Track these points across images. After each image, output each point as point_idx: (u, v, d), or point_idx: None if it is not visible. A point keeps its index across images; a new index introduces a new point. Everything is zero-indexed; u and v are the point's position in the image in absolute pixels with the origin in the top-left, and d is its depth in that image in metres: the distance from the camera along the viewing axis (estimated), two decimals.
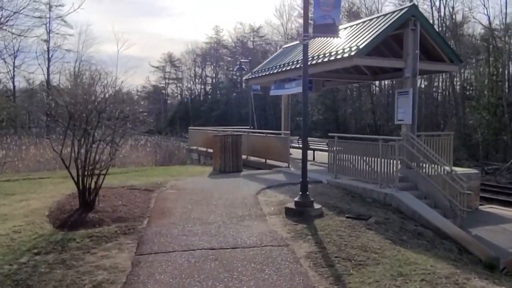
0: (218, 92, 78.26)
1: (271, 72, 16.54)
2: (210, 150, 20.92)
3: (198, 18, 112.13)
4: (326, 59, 13.03)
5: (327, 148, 15.74)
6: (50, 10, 51.30)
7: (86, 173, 7.64)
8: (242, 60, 23.68)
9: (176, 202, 8.78)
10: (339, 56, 12.41)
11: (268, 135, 15.92)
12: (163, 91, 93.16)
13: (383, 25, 12.22)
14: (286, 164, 14.34)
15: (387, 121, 46.19)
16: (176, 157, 26.09)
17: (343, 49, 12.50)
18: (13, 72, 52.22)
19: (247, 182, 11.37)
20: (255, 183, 11.09)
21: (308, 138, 17.02)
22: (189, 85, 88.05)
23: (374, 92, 49.19)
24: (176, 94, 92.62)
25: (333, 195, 9.61)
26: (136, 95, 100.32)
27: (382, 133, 45.39)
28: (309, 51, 15.66)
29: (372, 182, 10.21)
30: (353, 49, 12.02)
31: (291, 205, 7.88)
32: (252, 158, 16.30)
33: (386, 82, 47.68)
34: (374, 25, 12.65)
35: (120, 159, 25.69)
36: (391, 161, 9.84)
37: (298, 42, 18.38)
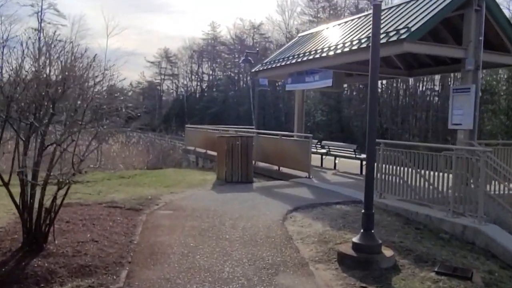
0: (214, 89, 75.52)
1: (286, 63, 13.87)
2: (211, 152, 18.32)
3: (199, 16, 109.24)
4: (363, 45, 10.40)
5: (352, 155, 13.19)
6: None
7: (34, 191, 4.96)
8: (248, 51, 20.97)
9: (172, 234, 6.10)
10: (382, 41, 9.78)
11: (282, 137, 13.27)
12: (158, 87, 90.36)
13: (440, 4, 9.61)
14: (306, 174, 11.70)
15: (394, 123, 43.71)
16: (170, 158, 23.35)
17: (387, 33, 9.87)
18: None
19: (264, 199, 8.70)
20: (275, 201, 8.43)
21: (330, 143, 14.43)
22: (185, 82, 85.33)
23: (381, 93, 46.66)
24: (172, 91, 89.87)
25: (389, 225, 6.98)
26: (131, 90, 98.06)
27: (389, 137, 42.93)
28: (335, 38, 13.09)
29: (437, 207, 7.59)
30: (402, 31, 9.40)
31: (347, 248, 5.22)
32: (261, 164, 13.64)
33: (395, 83, 45.23)
34: (426, 4, 10.02)
35: (107, 159, 22.98)
36: (465, 177, 7.25)
37: (315, 30, 15.75)
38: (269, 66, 15.11)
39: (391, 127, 42.94)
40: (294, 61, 13.45)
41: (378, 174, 8.81)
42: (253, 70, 16.30)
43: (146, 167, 19.75)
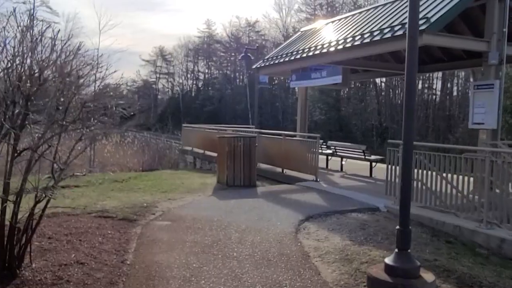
0: (210, 88, 74.67)
1: (290, 59, 13.06)
2: (209, 153, 17.50)
3: (194, 14, 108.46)
4: (376, 38, 9.61)
5: (360, 156, 12.41)
6: None
7: (5, 206, 4.12)
8: (247, 47, 20.14)
9: (171, 251, 5.29)
10: (398, 33, 9.00)
11: (286, 137, 12.46)
12: (153, 85, 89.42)
13: None
14: (313, 177, 10.91)
15: (394, 122, 42.99)
16: (167, 159, 22.52)
17: (403, 24, 9.09)
18: None
19: (271, 206, 7.89)
20: (284, 209, 7.62)
21: (336, 143, 13.64)
22: (180, 80, 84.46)
23: (381, 91, 45.97)
24: (167, 90, 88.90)
25: (415, 237, 6.16)
26: (126, 89, 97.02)
27: (389, 136, 42.22)
28: (343, 31, 12.29)
29: (465, 216, 6.82)
30: (420, 22, 8.60)
31: (378, 271, 4.42)
32: (263, 166, 12.85)
33: (394, 81, 44.49)
34: None
35: (100, 160, 22.09)
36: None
37: (319, 24, 14.95)
38: (271, 62, 14.29)
39: (391, 126, 42.21)
40: (298, 56, 12.64)
41: (397, 179, 8.04)
42: (254, 67, 15.47)
43: (141, 168, 18.90)
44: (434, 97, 45.73)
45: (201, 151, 18.27)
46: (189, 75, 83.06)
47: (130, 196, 8.81)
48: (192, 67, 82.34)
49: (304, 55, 12.35)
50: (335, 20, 13.76)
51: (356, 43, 10.23)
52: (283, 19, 64.64)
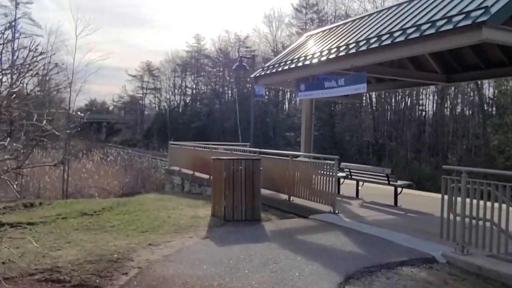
0: (198, 103, 72.60)
1: (297, 65, 11.10)
2: (199, 174, 15.33)
3: (183, 30, 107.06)
4: (413, 35, 7.67)
5: (381, 181, 10.39)
6: (16, 7, 45.55)
7: None
8: (242, 56, 18.20)
9: None
10: (446, 27, 7.06)
11: (293, 158, 10.39)
12: (140, 101, 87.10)
13: None
14: (329, 208, 8.84)
15: (391, 139, 41.28)
16: (151, 180, 20.25)
17: (449, 17, 7.17)
18: None
19: (291, 257, 5.75)
20: (310, 263, 5.49)
21: (352, 165, 11.61)
22: (167, 96, 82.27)
23: (376, 106, 44.34)
24: (154, 105, 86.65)
25: None
26: (112, 105, 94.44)
27: (386, 153, 40.48)
28: (363, 31, 10.36)
29: None
30: (476, 13, 6.70)
31: None
32: (264, 192, 10.65)
33: (393, 97, 42.90)
34: None
35: (76, 182, 19.76)
36: None
37: (327, 28, 13.04)
38: (273, 71, 12.30)
39: (388, 143, 40.47)
40: (307, 62, 10.68)
41: (457, 217, 6.00)
42: (252, 76, 13.47)
43: (122, 192, 16.62)
44: (425, 113, 44.30)
45: (190, 172, 16.13)
46: (176, 91, 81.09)
47: (98, 239, 6.61)
48: (180, 82, 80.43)
49: (315, 60, 10.39)
50: (347, 22, 11.87)
51: (385, 43, 8.29)
52: (273, 33, 63.31)
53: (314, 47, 11.39)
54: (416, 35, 7.55)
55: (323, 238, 6.75)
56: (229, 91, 69.13)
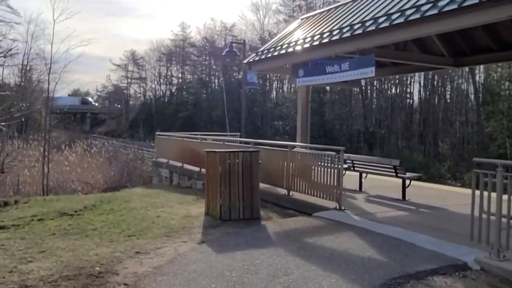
0: (185, 92, 71.26)
1: (296, 49, 10.25)
2: (188, 167, 14.44)
3: (168, 19, 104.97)
4: (430, 12, 6.85)
5: (388, 173, 9.65)
6: None
7: None
8: (233, 42, 17.25)
9: None
10: (471, 1, 6.25)
11: (293, 149, 9.58)
12: (125, 91, 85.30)
13: None
14: (334, 204, 8.06)
15: (382, 127, 40.77)
16: (138, 173, 19.27)
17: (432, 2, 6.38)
18: None
19: (303, 266, 4.94)
20: (327, 274, 4.68)
21: (355, 157, 10.84)
22: (153, 85, 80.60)
23: (366, 95, 43.73)
24: (139, 95, 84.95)
25: None
26: (96, 95, 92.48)
27: (377, 142, 39.98)
28: (369, 10, 9.50)
29: None
30: None
31: None
32: (260, 186, 9.88)
33: (385, 83, 42.31)
34: None
35: (58, 176, 18.69)
36: None
37: (325, 9, 12.18)
38: (268, 55, 11.42)
39: (379, 131, 39.95)
40: (307, 45, 9.82)
41: (490, 216, 5.25)
42: (245, 61, 12.57)
43: (106, 186, 15.65)
44: (412, 101, 43.83)
45: (178, 164, 15.25)
46: (162, 80, 79.53)
47: (78, 247, 5.73)
48: (165, 72, 78.85)
49: (316, 43, 9.53)
50: (347, 3, 11.00)
51: (397, 21, 7.47)
52: (261, 20, 62.19)
53: (313, 30, 10.53)
54: (434, 11, 6.73)
55: (335, 241, 5.96)
56: (216, 80, 67.99)
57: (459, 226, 6.79)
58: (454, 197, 9.60)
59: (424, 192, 10.15)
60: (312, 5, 55.40)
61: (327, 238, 6.11)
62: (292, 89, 54.15)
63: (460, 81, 39.08)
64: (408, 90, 44.14)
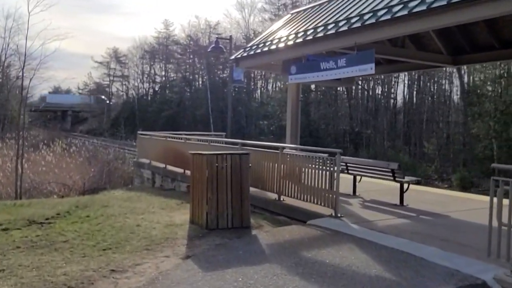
0: (168, 91, 70.13)
1: (287, 44, 9.63)
2: (172, 168, 13.72)
3: (152, 17, 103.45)
4: (438, 3, 6.29)
5: (385, 177, 9.09)
6: None
7: None
8: (219, 38, 16.55)
9: None
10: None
11: (284, 150, 8.96)
12: (107, 89, 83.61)
13: None
14: (330, 211, 7.48)
15: (368, 127, 40.42)
16: (118, 174, 18.43)
17: None
18: None
19: None
20: None
21: (349, 159, 10.25)
22: (136, 84, 79.16)
23: (353, 94, 43.40)
24: (122, 93, 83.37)
25: None
26: (78, 93, 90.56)
27: (364, 142, 39.69)
28: (366, 3, 8.89)
29: None
30: None
31: None
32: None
33: (370, 83, 41.99)
34: None
35: (33, 177, 17.75)
36: None
37: (317, 3, 11.57)
38: (257, 51, 10.78)
39: (365, 131, 39.63)
40: (300, 40, 9.21)
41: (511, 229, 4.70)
42: (233, 57, 11.88)
43: (84, 188, 14.81)
44: (395, 101, 43.62)
45: (161, 165, 14.54)
46: (145, 78, 78.14)
47: (44, 264, 5.00)
48: (148, 70, 77.47)
49: (309, 38, 8.92)
50: None
51: (399, 14, 6.90)
52: (246, 18, 61.47)
53: (306, 24, 9.92)
54: (443, 2, 6.17)
55: (336, 255, 5.34)
56: (200, 79, 67.05)
57: (467, 237, 6.28)
58: (453, 203, 9.10)
59: (421, 196, 9.62)
60: (298, 3, 54.94)
61: (327, 252, 5.49)
62: (277, 88, 53.67)
63: (444, 82, 39.03)
64: (393, 90, 43.96)
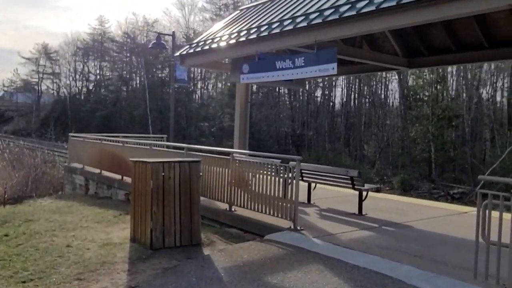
0: (103, 90, 66.94)
1: (239, 40, 8.87)
2: (108, 174, 12.50)
3: (86, 12, 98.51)
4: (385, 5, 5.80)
5: (343, 184, 8.58)
6: None
7: None
8: (161, 33, 15.44)
9: None
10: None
11: (236, 156, 8.17)
12: (35, 87, 78.43)
13: None
14: (289, 223, 6.82)
15: (310, 129, 40.60)
16: (47, 180, 16.72)
17: None
18: None
19: None
20: None
21: (306, 165, 9.65)
22: (68, 82, 74.84)
23: (295, 97, 43.46)
24: (52, 91, 78.56)
25: None
26: (3, 91, 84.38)
27: (306, 144, 39.80)
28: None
29: None
30: None
31: None
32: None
33: (312, 85, 42.16)
34: None
35: None
36: None
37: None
38: (205, 47, 9.90)
39: (307, 133, 39.75)
40: (253, 36, 8.46)
41: (501, 248, 4.22)
42: (177, 54, 10.92)
43: (5, 197, 13.15)
44: (333, 104, 44.34)
45: (96, 170, 13.27)
46: (77, 76, 74.05)
47: None
48: (82, 67, 73.54)
49: (264, 34, 8.21)
50: None
51: (366, 9, 6.36)
52: (186, 17, 60.02)
53: (259, 20, 9.20)
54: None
55: (305, 280, 4.64)
56: (138, 78, 64.62)
57: (438, 252, 5.83)
58: (411, 211, 8.75)
59: (377, 204, 9.19)
60: (239, 4, 54.41)
61: (294, 276, 4.77)
62: (219, 89, 52.79)
63: (383, 86, 40.09)
64: (332, 94, 44.59)
